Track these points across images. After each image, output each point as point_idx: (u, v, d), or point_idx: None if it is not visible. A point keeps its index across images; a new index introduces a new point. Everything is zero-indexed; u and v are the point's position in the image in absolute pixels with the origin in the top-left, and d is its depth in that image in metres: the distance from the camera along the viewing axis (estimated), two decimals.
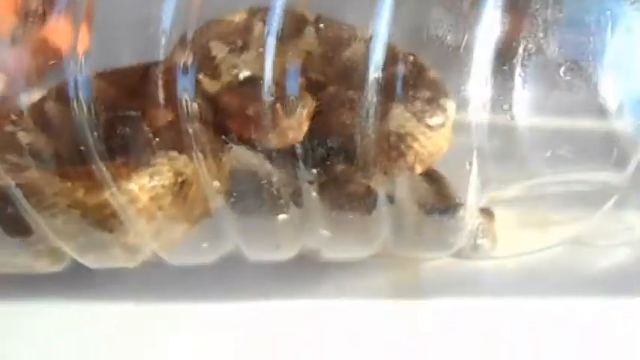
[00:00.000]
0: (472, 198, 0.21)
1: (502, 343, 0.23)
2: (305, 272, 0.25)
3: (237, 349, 0.23)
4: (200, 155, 0.20)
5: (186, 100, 0.21)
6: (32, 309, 0.24)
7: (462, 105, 0.20)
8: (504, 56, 0.20)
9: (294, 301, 0.24)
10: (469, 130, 0.20)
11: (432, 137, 0.22)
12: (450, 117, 0.22)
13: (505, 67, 0.20)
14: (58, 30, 0.23)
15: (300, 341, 0.23)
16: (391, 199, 0.21)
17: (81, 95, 0.20)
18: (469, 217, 0.22)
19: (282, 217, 0.22)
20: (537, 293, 0.24)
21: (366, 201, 0.21)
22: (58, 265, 0.24)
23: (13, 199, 0.21)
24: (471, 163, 0.20)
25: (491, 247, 0.25)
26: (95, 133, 0.20)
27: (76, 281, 0.24)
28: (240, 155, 0.21)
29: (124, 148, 0.21)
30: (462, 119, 0.20)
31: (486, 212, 0.24)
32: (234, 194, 0.22)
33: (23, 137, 0.22)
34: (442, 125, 0.22)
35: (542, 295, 0.24)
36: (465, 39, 0.19)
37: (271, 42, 0.20)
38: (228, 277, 0.25)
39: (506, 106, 0.20)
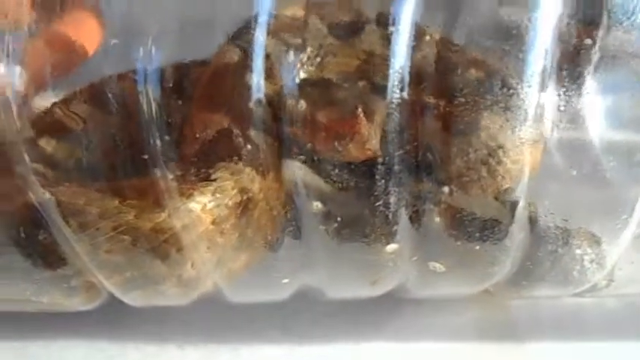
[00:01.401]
0: (634, 229, 0.18)
1: None
2: (377, 310, 0.22)
3: None
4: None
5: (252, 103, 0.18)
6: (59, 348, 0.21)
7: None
8: None
9: (365, 344, 0.22)
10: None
11: (526, 152, 0.18)
12: (547, 129, 0.19)
13: None
14: (80, 24, 0.21)
15: None
16: (534, 221, 0.18)
17: (150, 91, 0.17)
18: (620, 251, 0.18)
19: (391, 247, 0.19)
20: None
21: (499, 227, 0.18)
22: (91, 303, 0.20)
23: (49, 222, 0.17)
24: None
25: (607, 284, 0.22)
26: (166, 137, 0.17)
27: (108, 318, 0.22)
28: (295, 171, 0.18)
29: (203, 157, 0.18)
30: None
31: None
32: (338, 218, 0.18)
33: (45, 144, 0.19)
34: (539, 139, 0.18)
35: None
36: None
37: (402, 47, 0.18)
38: (285, 316, 0.22)
39: None
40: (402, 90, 0.18)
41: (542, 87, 0.17)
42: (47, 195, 0.17)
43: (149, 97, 0.17)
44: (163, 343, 0.22)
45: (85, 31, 0.22)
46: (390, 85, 0.18)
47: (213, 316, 0.22)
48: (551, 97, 0.18)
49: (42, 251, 0.18)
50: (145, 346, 0.21)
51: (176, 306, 0.21)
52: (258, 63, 0.19)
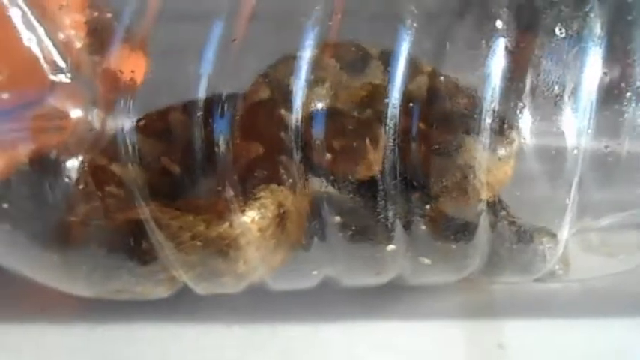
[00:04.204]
0: (568, 227, 0.23)
1: None
2: (379, 295, 0.26)
3: None
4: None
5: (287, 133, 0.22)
6: (138, 334, 0.25)
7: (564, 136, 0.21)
8: (608, 99, 0.22)
9: (373, 323, 0.26)
10: (568, 162, 0.22)
11: (501, 168, 0.23)
12: (515, 148, 0.23)
13: (606, 111, 0.22)
14: (122, 59, 0.23)
15: None
16: (493, 227, 0.23)
17: (222, 134, 0.22)
18: (562, 244, 0.23)
19: (390, 247, 0.24)
20: (604, 313, 0.25)
21: (468, 230, 0.23)
22: (170, 291, 0.25)
23: (149, 232, 0.23)
24: (570, 193, 0.22)
25: (564, 272, 0.26)
26: (233, 166, 0.22)
27: (170, 306, 0.26)
28: (317, 188, 0.23)
29: (254, 181, 0.23)
30: (562, 151, 0.22)
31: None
32: (353, 227, 0.23)
33: (117, 170, 0.24)
34: (510, 157, 0.23)
35: (609, 315, 0.25)
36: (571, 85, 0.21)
37: (398, 84, 0.22)
38: (310, 301, 0.26)
39: (606, 139, 0.22)
40: (395, 121, 0.21)
41: None
42: (148, 212, 0.22)
43: (223, 135, 0.22)
44: (214, 323, 0.26)
45: (132, 66, 0.24)
46: (387, 116, 0.21)
47: (254, 302, 0.26)
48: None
49: (143, 253, 0.23)
50: (199, 326, 0.25)
51: (226, 295, 0.25)
52: (285, 99, 0.23)
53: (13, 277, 0.25)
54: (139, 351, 0.25)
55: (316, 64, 0.23)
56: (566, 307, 0.26)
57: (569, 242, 0.25)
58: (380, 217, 0.23)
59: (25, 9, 0.23)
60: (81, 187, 0.23)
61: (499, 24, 0.22)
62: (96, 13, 0.24)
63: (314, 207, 0.23)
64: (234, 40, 0.22)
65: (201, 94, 0.22)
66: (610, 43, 0.22)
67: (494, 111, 0.21)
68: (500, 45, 0.22)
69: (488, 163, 0.22)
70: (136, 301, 0.25)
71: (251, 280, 0.24)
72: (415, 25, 0.22)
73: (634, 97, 0.22)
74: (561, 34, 0.22)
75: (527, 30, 0.23)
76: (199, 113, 0.22)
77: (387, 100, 0.21)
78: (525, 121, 0.22)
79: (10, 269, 0.25)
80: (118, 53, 0.23)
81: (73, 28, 0.24)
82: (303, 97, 0.22)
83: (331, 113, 0.23)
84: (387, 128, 0.22)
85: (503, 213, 0.23)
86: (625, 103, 0.22)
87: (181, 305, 0.25)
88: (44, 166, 0.23)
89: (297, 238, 0.24)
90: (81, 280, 0.24)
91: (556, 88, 0.22)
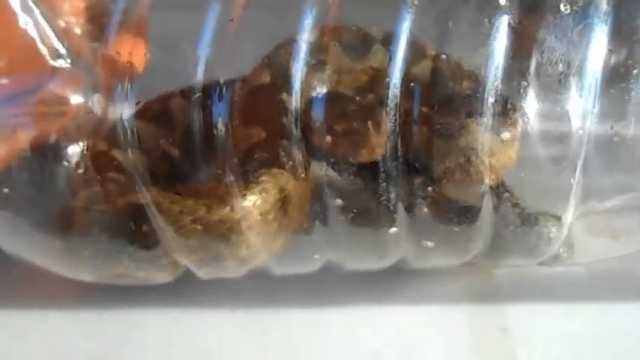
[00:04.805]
0: (572, 209, 0.22)
1: (577, 347, 0.24)
2: (382, 279, 0.26)
3: (320, 354, 0.24)
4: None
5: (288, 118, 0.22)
6: (141, 319, 0.26)
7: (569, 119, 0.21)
8: (614, 78, 0.21)
9: (377, 307, 0.26)
10: (573, 143, 0.22)
11: (505, 151, 0.23)
12: (519, 131, 0.23)
13: (612, 90, 0.21)
14: (120, 44, 0.23)
15: (381, 345, 0.24)
16: (496, 210, 0.23)
17: (220, 117, 0.21)
18: (566, 227, 0.23)
19: (393, 230, 0.24)
20: (608, 297, 0.26)
21: (471, 213, 0.23)
22: (172, 276, 0.25)
23: (150, 217, 0.23)
24: (574, 175, 0.21)
25: (569, 255, 0.26)
26: (233, 150, 0.22)
27: (173, 290, 0.26)
28: (318, 171, 0.23)
29: (255, 165, 0.23)
30: (567, 133, 0.22)
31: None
32: (354, 210, 0.23)
33: (118, 155, 0.23)
34: (514, 139, 0.23)
35: (613, 298, 0.26)
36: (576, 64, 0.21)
37: (399, 64, 0.22)
38: (313, 286, 0.26)
39: (612, 120, 0.21)
40: (396, 102, 0.21)
41: None
42: (149, 197, 0.22)
43: (222, 118, 0.22)
44: (217, 307, 0.26)
45: (130, 50, 0.23)
46: (388, 97, 0.21)
47: (257, 286, 0.26)
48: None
49: (144, 238, 0.23)
50: (202, 310, 0.26)
51: (228, 279, 0.25)
52: (286, 83, 0.22)
53: (17, 263, 0.25)
54: (143, 335, 0.25)
55: (317, 47, 0.23)
56: (570, 291, 0.26)
57: (573, 225, 0.25)
58: (382, 199, 0.22)
59: None
60: (82, 172, 0.23)
61: (502, 1, 0.22)
62: None
63: (315, 191, 0.23)
64: (232, 20, 0.22)
65: (200, 77, 0.22)
66: (616, 20, 0.22)
67: (497, 91, 0.21)
68: (504, 23, 0.22)
69: (491, 146, 0.22)
70: (140, 287, 0.25)
71: (253, 265, 0.24)
72: (416, 2, 0.22)
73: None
74: (566, 10, 0.22)
75: (532, 7, 0.22)
76: (198, 97, 0.22)
77: (387, 81, 0.21)
78: (529, 101, 0.22)
79: (13, 255, 0.25)
80: (115, 38, 0.23)
81: (72, 14, 0.24)
82: (303, 79, 0.22)
83: (332, 96, 0.23)
84: (389, 109, 0.22)
85: (506, 195, 0.23)
86: (632, 82, 0.22)
87: (184, 290, 0.25)
88: (45, 151, 0.23)
89: (299, 222, 0.23)
90: (83, 265, 0.24)
91: (561, 66, 0.22)
